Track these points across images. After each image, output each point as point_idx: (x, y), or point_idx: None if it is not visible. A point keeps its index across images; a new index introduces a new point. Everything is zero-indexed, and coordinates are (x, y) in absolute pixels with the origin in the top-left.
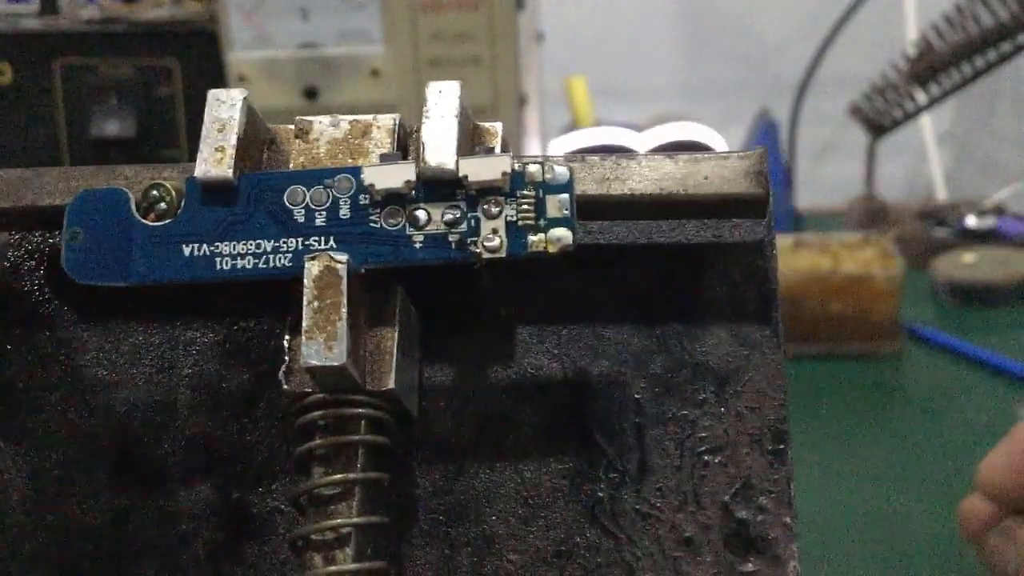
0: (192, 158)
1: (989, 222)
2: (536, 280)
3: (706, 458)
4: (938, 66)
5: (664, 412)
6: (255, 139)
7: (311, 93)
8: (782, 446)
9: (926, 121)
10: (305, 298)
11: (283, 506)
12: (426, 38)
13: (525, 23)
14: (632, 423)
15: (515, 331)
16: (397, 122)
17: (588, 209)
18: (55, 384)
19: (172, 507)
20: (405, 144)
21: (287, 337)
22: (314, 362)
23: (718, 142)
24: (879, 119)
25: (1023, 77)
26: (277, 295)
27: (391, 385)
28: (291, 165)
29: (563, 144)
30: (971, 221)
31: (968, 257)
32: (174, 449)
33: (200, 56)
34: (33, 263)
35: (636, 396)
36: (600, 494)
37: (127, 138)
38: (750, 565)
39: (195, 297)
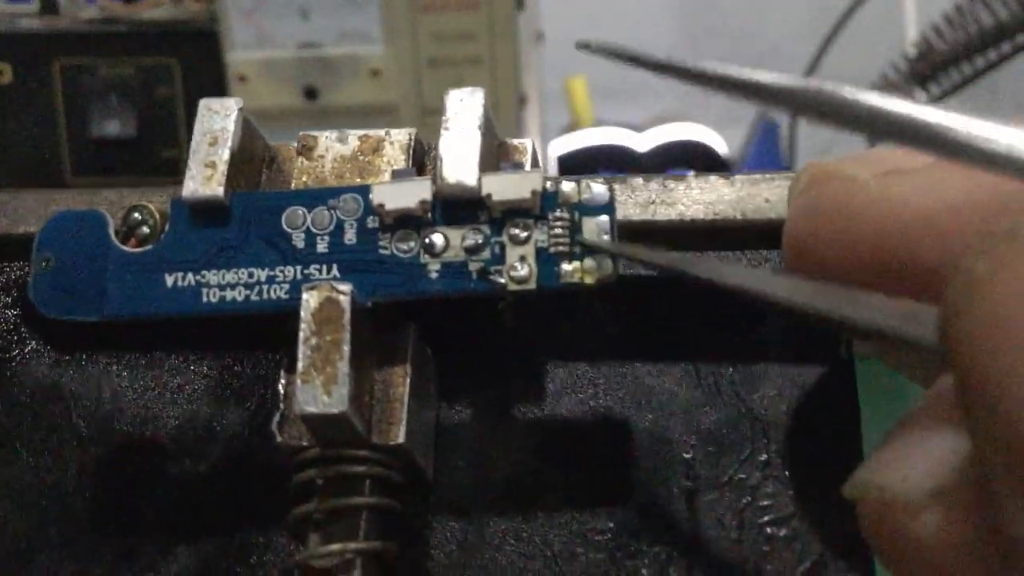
0: None
1: None
2: (568, 319)
3: (769, 531)
4: (938, 66)
5: (719, 475)
6: (252, 156)
7: (311, 93)
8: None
9: None
10: (301, 334)
11: None
12: (426, 38)
13: (525, 23)
14: (682, 487)
15: (544, 378)
16: (413, 138)
17: (630, 237)
18: (25, 435)
19: None
20: (422, 162)
21: (282, 380)
22: (310, 409)
23: (718, 142)
24: None
25: (1023, 77)
26: (277, 328)
27: (401, 439)
28: (293, 185)
29: (564, 144)
30: None
31: None
32: (155, 513)
33: (200, 56)
34: (9, 299)
35: (686, 455)
36: (644, 571)
37: (127, 138)
38: None
39: (184, 332)
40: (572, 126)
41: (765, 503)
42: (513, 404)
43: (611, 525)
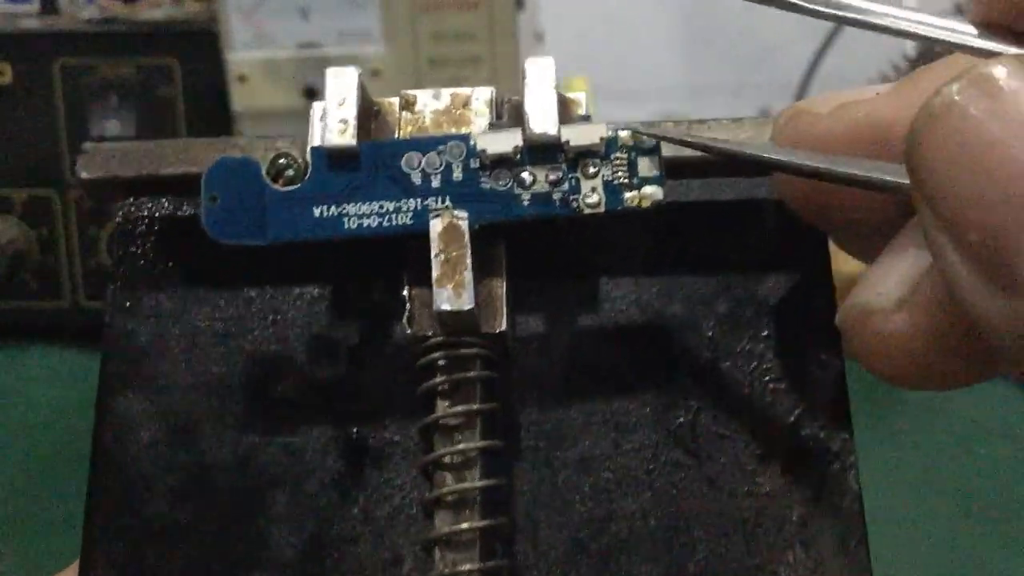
0: None
1: None
2: (610, 236)
3: (772, 386)
4: None
5: (733, 347)
6: (366, 112)
7: (311, 93)
8: (837, 374)
9: None
10: (433, 251)
11: (397, 438)
12: (426, 38)
13: (525, 23)
14: (706, 357)
15: (597, 284)
16: (494, 94)
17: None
18: (176, 336)
19: (296, 443)
20: (500, 113)
21: (406, 289)
22: (446, 307)
23: None
24: None
25: None
26: (373, 257)
27: (503, 327)
28: (398, 134)
29: None
30: None
31: None
32: (293, 392)
33: (200, 56)
34: (144, 228)
35: (708, 334)
36: (681, 420)
37: (127, 138)
38: (815, 474)
39: (299, 259)
40: None
41: (767, 366)
42: (572, 302)
43: (655, 388)
